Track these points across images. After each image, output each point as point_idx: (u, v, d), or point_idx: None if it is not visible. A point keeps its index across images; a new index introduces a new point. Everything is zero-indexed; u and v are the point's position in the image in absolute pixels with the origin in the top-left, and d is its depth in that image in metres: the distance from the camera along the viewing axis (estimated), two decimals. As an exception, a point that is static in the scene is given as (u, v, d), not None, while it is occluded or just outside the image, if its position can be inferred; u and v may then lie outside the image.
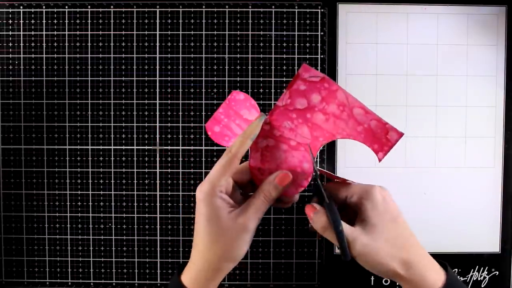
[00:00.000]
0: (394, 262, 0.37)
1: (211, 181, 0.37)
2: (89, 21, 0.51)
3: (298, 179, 0.40)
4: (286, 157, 0.40)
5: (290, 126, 0.39)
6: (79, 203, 0.52)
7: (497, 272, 0.52)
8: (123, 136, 0.51)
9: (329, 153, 0.51)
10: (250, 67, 0.51)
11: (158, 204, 0.52)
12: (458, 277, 0.51)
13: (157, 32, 0.51)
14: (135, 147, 0.52)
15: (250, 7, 0.51)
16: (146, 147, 0.51)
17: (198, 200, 0.38)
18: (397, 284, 0.51)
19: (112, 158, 0.51)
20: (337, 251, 0.52)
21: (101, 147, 0.51)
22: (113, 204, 0.52)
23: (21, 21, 0.51)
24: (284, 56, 0.51)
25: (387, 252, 0.37)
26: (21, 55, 0.51)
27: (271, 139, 0.40)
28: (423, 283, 0.37)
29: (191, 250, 0.39)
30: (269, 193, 0.38)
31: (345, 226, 0.37)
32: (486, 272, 0.52)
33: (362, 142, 0.39)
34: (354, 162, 0.51)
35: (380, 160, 0.39)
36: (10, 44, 0.51)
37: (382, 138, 0.38)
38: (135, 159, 0.52)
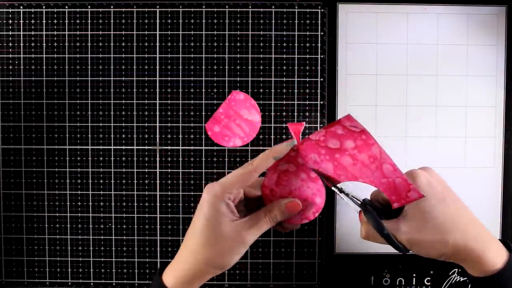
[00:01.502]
0: (445, 247, 0.36)
1: (223, 185, 0.37)
2: (89, 21, 0.51)
3: (306, 211, 0.40)
4: (301, 185, 0.40)
5: (316, 159, 0.39)
6: (79, 203, 0.52)
7: (497, 272, 0.51)
8: (123, 136, 0.51)
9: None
10: (250, 67, 0.51)
11: (158, 204, 0.52)
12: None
13: (157, 32, 0.51)
14: (135, 147, 0.52)
15: (250, 7, 0.51)
16: (146, 147, 0.51)
17: (203, 200, 0.37)
18: (397, 284, 0.51)
19: (112, 158, 0.51)
20: (337, 251, 0.52)
21: (101, 147, 0.51)
22: (113, 204, 0.52)
23: (21, 21, 0.51)
24: (284, 56, 0.51)
25: (435, 238, 0.36)
26: (21, 55, 0.51)
27: (293, 164, 0.39)
28: (481, 264, 0.36)
29: (181, 247, 0.38)
30: (275, 216, 0.38)
31: (389, 225, 0.37)
32: (486, 272, 0.51)
33: (382, 191, 0.39)
34: (354, 162, 0.51)
35: (393, 208, 0.38)
36: (10, 44, 0.51)
37: (402, 193, 0.37)
38: (135, 159, 0.52)
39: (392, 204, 0.38)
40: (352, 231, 0.52)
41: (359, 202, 0.39)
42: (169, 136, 0.51)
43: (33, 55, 0.51)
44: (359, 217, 0.40)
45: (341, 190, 0.40)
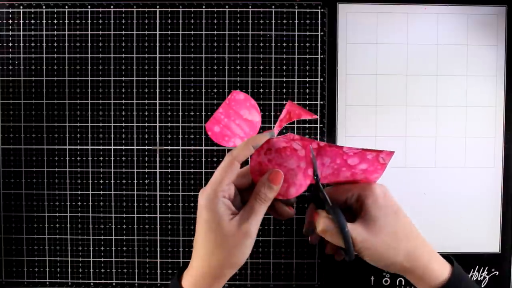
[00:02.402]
0: (397, 255, 0.37)
1: (213, 185, 0.37)
2: (89, 21, 0.51)
3: (298, 179, 0.40)
4: (287, 159, 0.40)
5: (325, 162, 0.41)
6: (79, 203, 0.52)
7: (497, 272, 0.52)
8: (123, 136, 0.51)
9: (329, 153, 0.51)
10: (250, 67, 0.51)
11: (158, 204, 0.52)
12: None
13: (157, 32, 0.51)
14: (135, 147, 0.52)
15: (250, 7, 0.51)
16: (146, 147, 0.51)
17: (200, 206, 0.37)
18: (397, 284, 0.51)
19: (112, 158, 0.51)
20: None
21: (101, 147, 0.51)
22: (113, 204, 0.52)
23: (21, 21, 0.51)
24: (284, 56, 0.51)
25: (389, 245, 0.37)
26: (21, 55, 0.51)
27: (277, 146, 0.40)
28: (428, 275, 0.38)
29: (192, 254, 0.39)
30: (264, 194, 0.38)
31: (349, 226, 0.37)
32: (486, 272, 0.52)
33: (362, 177, 0.41)
34: (354, 162, 0.51)
35: (374, 180, 0.41)
36: (10, 44, 0.51)
37: (377, 164, 0.40)
38: (135, 159, 0.52)
39: (373, 177, 0.41)
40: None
41: (327, 196, 0.39)
42: (169, 136, 0.51)
43: (33, 55, 0.51)
44: (311, 214, 0.41)
45: (319, 181, 0.40)
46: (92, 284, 0.52)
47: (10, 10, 0.51)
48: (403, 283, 0.51)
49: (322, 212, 0.39)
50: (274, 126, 0.40)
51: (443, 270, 0.38)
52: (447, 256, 0.40)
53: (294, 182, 0.40)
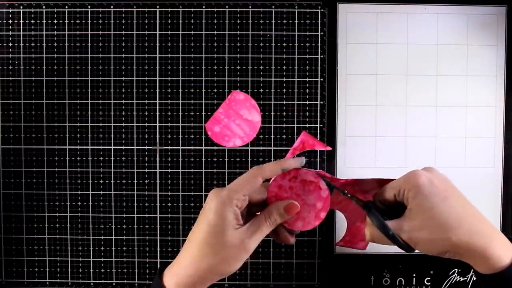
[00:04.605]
0: (449, 245, 0.36)
1: (231, 191, 0.37)
2: (89, 21, 0.51)
3: (309, 217, 0.40)
4: (308, 194, 0.40)
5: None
6: (79, 203, 0.52)
7: (497, 272, 0.51)
8: (123, 136, 0.51)
9: (329, 152, 0.51)
10: (250, 67, 0.51)
11: (158, 204, 0.52)
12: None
13: (157, 32, 0.51)
14: (135, 147, 0.52)
15: (250, 7, 0.51)
16: (146, 147, 0.51)
17: (209, 207, 0.37)
18: (397, 284, 0.51)
19: (112, 158, 0.51)
20: (337, 251, 0.52)
21: (101, 147, 0.51)
22: (113, 204, 0.52)
23: (21, 21, 0.51)
24: (284, 56, 0.51)
25: (439, 236, 0.36)
26: (21, 55, 0.51)
27: (304, 177, 0.40)
28: (487, 260, 0.36)
29: (182, 249, 0.38)
30: (274, 219, 0.38)
31: (393, 224, 0.37)
32: (486, 272, 0.51)
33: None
34: (354, 162, 0.51)
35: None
36: (10, 44, 0.51)
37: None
38: (135, 159, 0.52)
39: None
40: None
41: (362, 204, 0.39)
42: (169, 136, 0.51)
43: (33, 55, 0.51)
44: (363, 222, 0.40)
45: (345, 193, 0.40)
46: (92, 284, 0.52)
47: (10, 10, 0.51)
48: (403, 283, 0.51)
49: (368, 220, 0.39)
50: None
51: (506, 254, 0.36)
52: (510, 238, 0.38)
53: (304, 217, 0.40)
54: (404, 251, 0.37)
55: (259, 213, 0.39)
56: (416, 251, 0.37)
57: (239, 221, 0.37)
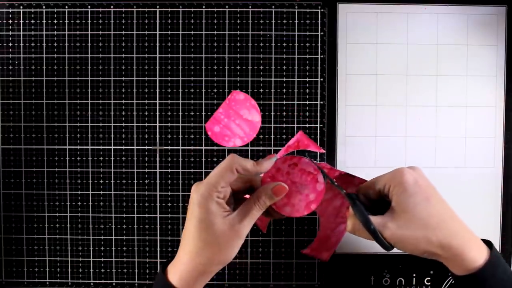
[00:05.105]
0: (429, 244, 0.36)
1: (208, 186, 0.37)
2: (89, 21, 0.51)
3: (298, 205, 0.40)
4: (303, 183, 0.40)
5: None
6: (79, 203, 0.52)
7: (497, 272, 0.51)
8: (123, 136, 0.51)
9: (329, 152, 0.51)
10: (250, 67, 0.51)
11: (158, 204, 0.52)
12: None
13: (157, 32, 0.51)
14: (135, 147, 0.52)
15: (250, 7, 0.51)
16: (146, 147, 0.51)
17: (193, 203, 0.37)
18: (397, 284, 0.51)
19: (112, 158, 0.51)
20: (337, 251, 0.52)
21: (101, 147, 0.51)
22: (113, 204, 0.52)
23: (21, 21, 0.51)
24: (284, 56, 0.51)
25: (420, 235, 0.36)
26: (21, 55, 0.51)
27: (304, 167, 0.40)
28: (462, 261, 0.37)
29: (180, 247, 0.39)
30: (263, 202, 0.39)
31: (375, 220, 0.37)
32: (486, 272, 0.51)
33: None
34: (354, 162, 0.51)
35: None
36: (10, 44, 0.51)
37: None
38: (135, 159, 0.52)
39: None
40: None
41: (349, 196, 0.40)
42: (169, 136, 0.51)
43: (33, 55, 0.51)
44: (346, 212, 0.41)
45: (333, 182, 0.41)
46: (92, 284, 0.52)
47: (10, 10, 0.51)
48: (403, 283, 0.51)
49: (351, 212, 0.39)
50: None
51: (480, 256, 0.37)
52: (486, 241, 0.39)
53: (294, 204, 0.40)
54: (384, 249, 0.38)
55: (248, 196, 0.40)
56: (394, 249, 0.38)
57: (226, 209, 0.38)
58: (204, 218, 0.37)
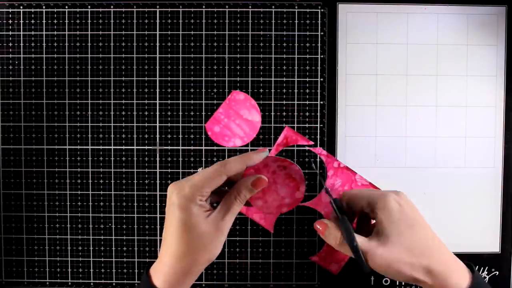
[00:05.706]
0: (413, 270, 0.37)
1: (193, 188, 0.37)
2: (89, 21, 0.51)
3: (271, 203, 0.40)
4: (284, 186, 0.40)
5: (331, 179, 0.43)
6: (79, 203, 0.52)
7: (497, 272, 0.52)
8: (123, 136, 0.51)
9: (329, 152, 0.51)
10: (250, 67, 0.51)
11: (158, 204, 0.52)
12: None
13: (157, 32, 0.51)
14: (135, 147, 0.52)
15: (250, 7, 0.51)
16: (146, 147, 0.51)
17: (173, 204, 0.37)
18: (397, 284, 0.51)
19: (112, 158, 0.51)
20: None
21: (101, 147, 0.51)
22: (113, 204, 0.52)
23: (21, 21, 0.51)
24: (284, 56, 0.51)
25: (405, 262, 0.37)
26: (21, 55, 0.51)
27: (292, 173, 0.40)
28: (446, 287, 0.37)
29: (161, 249, 0.38)
30: (243, 196, 0.39)
31: (360, 240, 0.37)
32: (486, 272, 0.52)
33: None
34: (354, 162, 0.51)
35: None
36: (10, 44, 0.51)
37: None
38: (135, 159, 0.52)
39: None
40: (352, 231, 0.52)
41: (339, 209, 0.40)
42: (169, 136, 0.51)
43: (33, 55, 0.51)
44: (320, 225, 0.41)
45: (327, 190, 0.41)
46: (92, 284, 0.52)
47: (10, 10, 0.51)
48: (403, 284, 0.51)
49: (331, 223, 0.39)
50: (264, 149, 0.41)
51: (463, 281, 0.38)
52: (468, 264, 0.39)
53: (267, 201, 0.40)
54: (361, 269, 0.38)
55: (228, 191, 0.40)
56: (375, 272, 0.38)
57: (206, 208, 0.38)
58: (186, 220, 0.36)
